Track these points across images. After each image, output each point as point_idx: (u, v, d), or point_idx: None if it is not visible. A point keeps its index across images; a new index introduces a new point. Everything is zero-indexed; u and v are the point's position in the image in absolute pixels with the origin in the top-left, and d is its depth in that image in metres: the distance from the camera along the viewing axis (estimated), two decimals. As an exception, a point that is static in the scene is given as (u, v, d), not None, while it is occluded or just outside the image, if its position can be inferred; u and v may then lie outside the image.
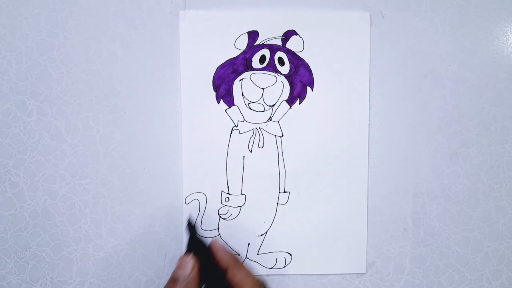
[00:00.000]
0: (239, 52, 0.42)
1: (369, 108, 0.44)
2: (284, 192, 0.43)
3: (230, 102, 0.43)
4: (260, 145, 0.43)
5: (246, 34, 0.42)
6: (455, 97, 0.44)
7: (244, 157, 0.43)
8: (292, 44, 0.43)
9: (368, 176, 0.44)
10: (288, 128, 0.43)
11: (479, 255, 0.46)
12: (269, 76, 0.43)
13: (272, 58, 0.43)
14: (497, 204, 0.45)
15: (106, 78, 0.42)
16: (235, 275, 0.33)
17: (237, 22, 0.42)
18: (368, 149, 0.44)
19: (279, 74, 0.43)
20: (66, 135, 0.42)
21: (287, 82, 0.43)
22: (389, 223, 0.45)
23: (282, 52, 0.43)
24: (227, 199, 0.43)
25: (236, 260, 0.35)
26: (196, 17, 0.42)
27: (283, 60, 0.43)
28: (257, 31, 0.42)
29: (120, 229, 0.43)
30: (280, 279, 0.44)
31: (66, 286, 0.43)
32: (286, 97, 0.43)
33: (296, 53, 0.43)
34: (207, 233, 0.43)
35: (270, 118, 0.43)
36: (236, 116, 0.43)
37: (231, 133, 0.43)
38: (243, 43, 0.42)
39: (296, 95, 0.43)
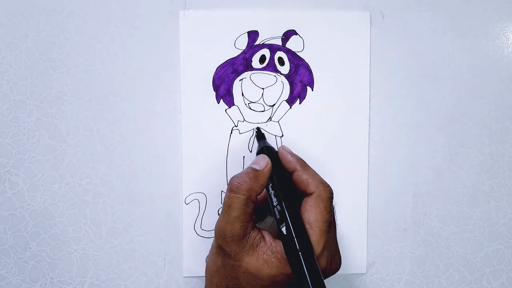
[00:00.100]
0: (239, 52, 0.42)
1: (369, 108, 0.44)
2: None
3: (230, 102, 0.43)
4: (260, 145, 0.43)
5: (246, 34, 0.42)
6: (455, 97, 0.44)
7: (244, 157, 0.43)
8: (292, 44, 0.43)
9: (368, 176, 0.44)
10: (288, 128, 0.43)
11: (479, 255, 0.46)
12: (269, 76, 0.43)
13: (272, 58, 0.43)
14: (497, 204, 0.45)
15: (106, 78, 0.42)
16: (301, 176, 0.35)
17: (237, 22, 0.42)
18: (368, 149, 0.44)
19: (279, 74, 0.43)
20: (66, 135, 0.42)
21: (287, 82, 0.43)
22: (389, 223, 0.45)
23: (282, 52, 0.43)
24: (227, 199, 0.43)
25: (303, 162, 0.36)
26: (196, 17, 0.42)
27: (283, 60, 0.43)
28: (257, 31, 0.42)
29: (120, 229, 0.43)
30: (280, 279, 0.44)
31: (66, 286, 0.43)
32: (286, 97, 0.43)
33: (296, 53, 0.43)
34: (207, 233, 0.43)
35: (270, 118, 0.43)
36: (236, 116, 0.43)
37: (231, 133, 0.43)
38: (243, 43, 0.42)
39: (296, 95, 0.43)
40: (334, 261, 0.35)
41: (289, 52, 0.43)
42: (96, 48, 0.42)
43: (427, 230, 0.45)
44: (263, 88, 0.43)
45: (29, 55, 0.41)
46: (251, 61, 0.42)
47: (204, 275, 0.37)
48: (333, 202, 0.35)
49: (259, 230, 0.35)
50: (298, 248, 0.31)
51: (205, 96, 0.42)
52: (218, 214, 0.43)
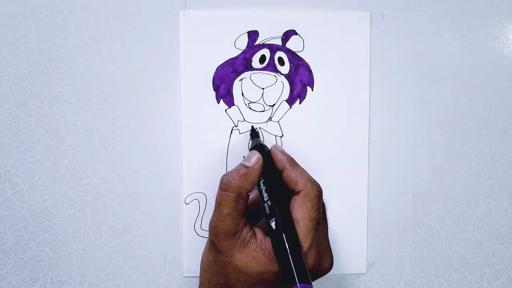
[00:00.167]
0: (239, 52, 0.42)
1: (369, 108, 0.44)
2: (284, 192, 0.43)
3: (230, 102, 0.43)
4: (260, 145, 0.43)
5: (246, 34, 0.42)
6: (455, 97, 0.44)
7: (244, 157, 0.43)
8: (292, 44, 0.43)
9: (368, 176, 0.44)
10: (288, 128, 0.43)
11: (479, 255, 0.46)
12: (269, 76, 0.43)
13: (272, 58, 0.43)
14: (497, 204, 0.45)
15: (106, 78, 0.42)
16: (290, 174, 0.35)
17: (237, 22, 0.42)
18: (368, 149, 0.44)
19: (279, 74, 0.43)
20: (66, 135, 0.42)
21: (287, 82, 0.43)
22: (389, 223, 0.45)
23: (282, 52, 0.43)
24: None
25: (293, 161, 0.37)
26: (196, 17, 0.42)
27: (283, 60, 0.43)
28: (257, 31, 0.42)
29: (120, 229, 0.43)
30: (280, 279, 0.44)
31: (66, 286, 0.43)
32: (286, 97, 0.43)
33: (296, 53, 0.43)
34: (207, 233, 0.43)
35: (270, 118, 0.43)
36: (236, 116, 0.43)
37: (231, 133, 0.43)
38: (243, 43, 0.42)
39: (296, 95, 0.43)
40: (324, 261, 0.35)
41: (289, 52, 0.43)
42: (96, 48, 0.42)
43: (427, 230, 0.45)
44: (263, 88, 0.43)
45: (29, 55, 0.41)
46: (251, 61, 0.42)
47: None
48: (324, 200, 0.35)
49: (251, 227, 0.35)
50: (285, 242, 0.32)
51: (205, 96, 0.42)
52: (218, 214, 0.43)
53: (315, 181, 0.35)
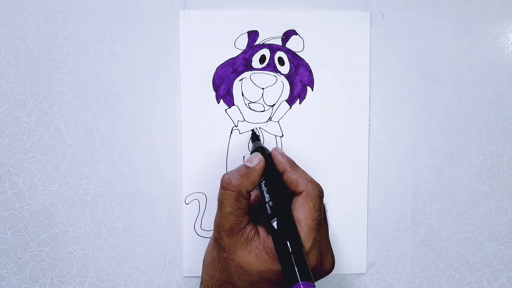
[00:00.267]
0: (239, 52, 0.42)
1: (369, 108, 0.44)
2: (284, 192, 0.43)
3: (230, 102, 0.43)
4: (260, 145, 0.43)
5: (246, 34, 0.42)
6: (455, 97, 0.44)
7: (244, 157, 0.43)
8: (292, 44, 0.43)
9: (368, 176, 0.44)
10: (288, 128, 0.43)
11: (479, 255, 0.46)
12: (269, 76, 0.43)
13: (272, 58, 0.43)
14: (497, 204, 0.45)
15: (106, 78, 0.42)
16: (291, 176, 0.36)
17: (237, 22, 0.42)
18: (368, 149, 0.44)
19: (279, 74, 0.43)
20: (66, 135, 0.42)
21: (287, 82, 0.43)
22: (389, 223, 0.45)
23: (282, 52, 0.43)
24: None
25: (293, 163, 0.37)
26: (196, 17, 0.42)
27: (283, 60, 0.43)
28: (257, 31, 0.42)
29: (120, 229, 0.43)
30: (280, 279, 0.44)
31: (66, 286, 0.43)
32: (286, 97, 0.43)
33: (296, 53, 0.43)
34: (207, 233, 0.43)
35: (270, 118, 0.43)
36: (236, 116, 0.43)
37: (231, 133, 0.43)
38: (243, 43, 0.42)
39: (296, 95, 0.43)
40: (326, 261, 0.35)
41: (289, 52, 0.43)
42: (96, 48, 0.42)
43: (427, 230, 0.45)
44: (263, 88, 0.43)
45: (29, 55, 0.41)
46: (251, 61, 0.42)
47: None
48: (324, 201, 0.35)
49: (255, 225, 0.35)
50: (287, 240, 0.32)
51: (205, 96, 0.42)
52: (218, 214, 0.43)
53: (316, 181, 0.35)
